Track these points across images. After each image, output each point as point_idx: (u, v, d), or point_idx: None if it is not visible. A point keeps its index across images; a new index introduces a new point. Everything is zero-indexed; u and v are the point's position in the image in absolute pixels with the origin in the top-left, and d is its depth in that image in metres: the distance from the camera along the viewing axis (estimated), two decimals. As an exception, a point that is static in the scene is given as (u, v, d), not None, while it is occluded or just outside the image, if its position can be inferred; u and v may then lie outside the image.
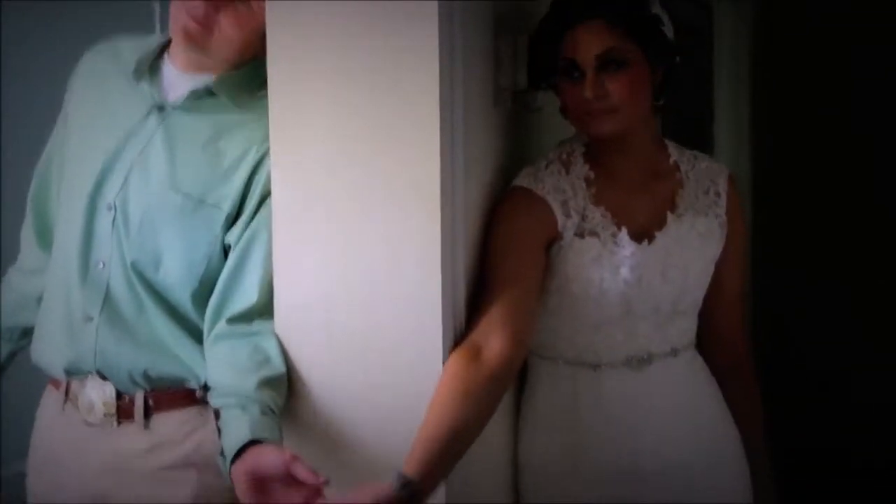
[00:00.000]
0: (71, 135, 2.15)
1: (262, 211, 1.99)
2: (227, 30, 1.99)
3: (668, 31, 2.07)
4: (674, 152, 2.17)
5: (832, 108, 4.49)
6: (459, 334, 1.92)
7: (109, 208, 2.03)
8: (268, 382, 1.88)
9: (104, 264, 2.04)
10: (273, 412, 1.85)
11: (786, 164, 4.60)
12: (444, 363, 1.85)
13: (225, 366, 1.93)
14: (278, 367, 1.92)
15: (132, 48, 2.12)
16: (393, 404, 1.88)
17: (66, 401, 2.12)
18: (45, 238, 2.21)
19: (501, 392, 1.92)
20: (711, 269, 2.14)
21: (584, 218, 2.04)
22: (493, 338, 1.89)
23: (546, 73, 2.09)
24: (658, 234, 2.07)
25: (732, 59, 4.44)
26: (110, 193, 2.04)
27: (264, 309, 1.97)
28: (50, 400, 2.17)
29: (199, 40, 1.99)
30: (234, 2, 1.97)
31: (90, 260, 2.05)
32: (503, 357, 1.88)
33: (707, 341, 2.22)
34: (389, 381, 1.88)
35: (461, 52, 1.89)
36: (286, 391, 1.92)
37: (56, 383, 2.14)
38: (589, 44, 1.99)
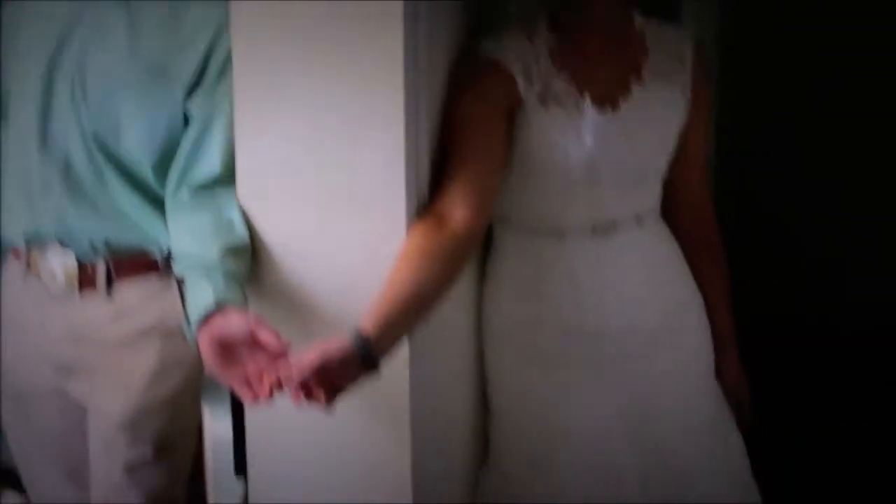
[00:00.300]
0: (26, 5, 2.09)
1: (224, 80, 1.95)
2: None
3: None
4: (639, 21, 2.14)
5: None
6: (423, 202, 1.91)
7: (67, 77, 1.99)
8: (231, 250, 1.87)
9: (63, 135, 2.00)
10: (237, 279, 1.85)
11: (753, 31, 4.56)
12: (407, 230, 1.85)
13: (188, 234, 1.92)
14: (241, 234, 1.91)
15: None
16: (356, 271, 1.87)
17: (27, 270, 2.10)
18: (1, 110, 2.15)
19: (463, 259, 1.93)
20: (676, 136, 2.14)
21: (547, 85, 2.02)
22: (456, 207, 1.89)
23: None
24: (622, 103, 2.06)
25: None
26: (68, 62, 1.99)
27: (227, 178, 1.95)
28: (11, 269, 2.16)
29: None
30: None
31: (48, 130, 2.01)
32: (466, 226, 1.89)
33: (672, 209, 2.23)
34: (353, 247, 1.88)
35: None
36: (250, 259, 1.92)
37: (17, 252, 2.13)
38: None
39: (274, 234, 1.93)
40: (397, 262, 1.81)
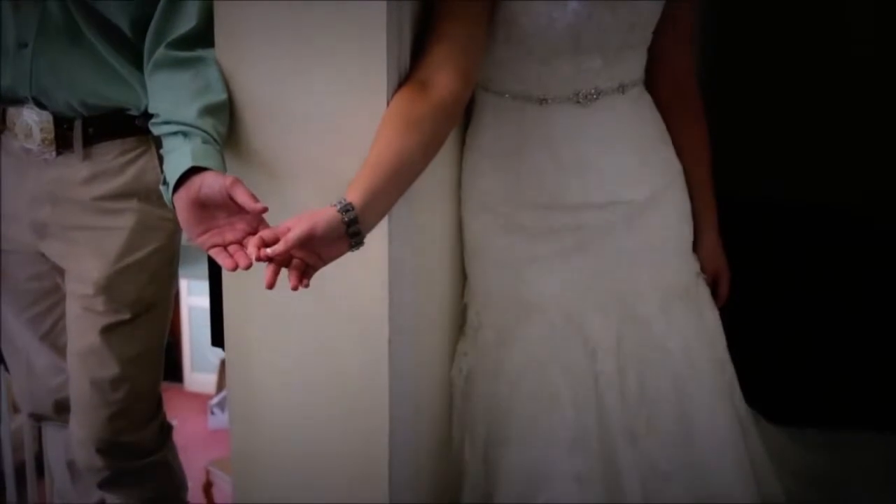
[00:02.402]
0: None
1: None
2: None
3: None
4: None
5: None
6: (405, 70, 1.88)
7: None
8: (209, 109, 1.84)
9: None
10: (215, 140, 1.82)
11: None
12: (388, 96, 1.82)
13: (166, 92, 1.89)
14: (220, 93, 1.87)
15: None
16: (336, 135, 1.85)
17: (3, 129, 2.08)
18: None
19: (448, 126, 1.90)
20: (661, 4, 2.10)
21: None
22: (439, 73, 1.86)
23: None
24: None
25: None
26: None
27: (205, 34, 1.91)
28: None
29: None
30: None
31: None
32: (450, 91, 1.85)
33: (655, 77, 2.20)
34: (333, 110, 1.85)
35: None
36: (228, 118, 1.89)
37: None
38: None
39: (253, 95, 1.90)
40: (380, 130, 1.78)
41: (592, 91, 2.08)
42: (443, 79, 1.85)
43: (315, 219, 1.64)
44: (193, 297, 5.57)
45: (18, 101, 2.04)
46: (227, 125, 1.88)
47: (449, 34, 1.90)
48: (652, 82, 2.21)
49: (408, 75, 1.88)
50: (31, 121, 2.03)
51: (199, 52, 1.90)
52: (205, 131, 1.80)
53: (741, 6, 3.83)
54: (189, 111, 1.82)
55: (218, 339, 2.17)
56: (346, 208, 1.66)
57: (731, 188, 2.55)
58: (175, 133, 1.81)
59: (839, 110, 3.76)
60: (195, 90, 1.86)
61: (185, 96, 1.85)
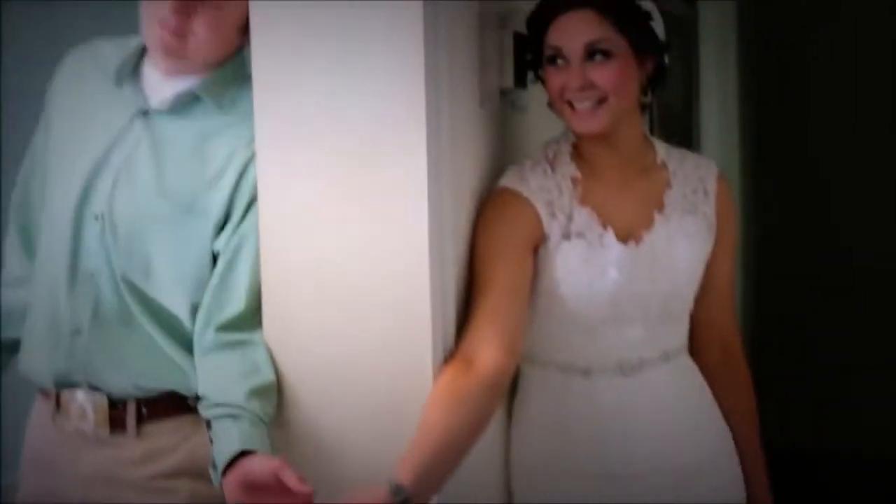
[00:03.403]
0: (53, 141, 2.12)
1: (250, 217, 1.96)
2: (202, 33, 1.96)
3: (658, 27, 2.06)
4: (661, 150, 2.15)
5: (821, 99, 4.48)
6: (449, 343, 1.90)
7: (97, 218, 2.00)
8: (257, 392, 1.87)
9: (93, 275, 2.01)
10: (263, 421, 1.84)
11: (774, 156, 4.59)
12: (433, 372, 1.84)
13: (215, 376, 1.91)
14: (267, 375, 1.91)
15: (113, 51, 2.09)
16: (382, 414, 1.87)
17: (57, 410, 2.09)
18: (30, 246, 2.17)
19: (495, 403, 1.91)
20: (701, 268, 2.12)
21: (570, 219, 2.02)
22: (484, 348, 1.88)
23: (533, 63, 2.09)
24: (645, 235, 2.05)
25: (718, 51, 4.41)
26: (97, 202, 2.01)
27: (253, 316, 1.95)
28: (41, 409, 2.14)
29: (175, 50, 1.97)
30: (204, 4, 1.94)
31: (78, 271, 2.02)
32: (495, 367, 1.87)
33: (698, 341, 2.20)
34: (378, 390, 1.88)
35: (446, 51, 1.89)
36: (276, 399, 1.91)
37: (46, 393, 2.11)
38: (577, 32, 1.98)
39: (301, 375, 1.93)
40: (427, 409, 1.79)
41: (636, 361, 2.08)
42: (487, 355, 1.87)
43: (365, 499, 1.64)
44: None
45: (72, 384, 2.06)
46: (274, 406, 1.90)
47: (491, 308, 1.92)
48: (696, 348, 2.20)
49: (453, 351, 1.90)
50: (86, 403, 2.05)
51: (247, 335, 1.94)
52: (252, 414, 1.82)
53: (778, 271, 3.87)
54: (237, 394, 1.85)
55: None
56: (397, 490, 1.66)
57: (781, 440, 2.52)
58: (223, 416, 1.83)
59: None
60: (243, 372, 1.89)
61: (233, 379, 1.88)
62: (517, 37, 2.16)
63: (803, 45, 4.59)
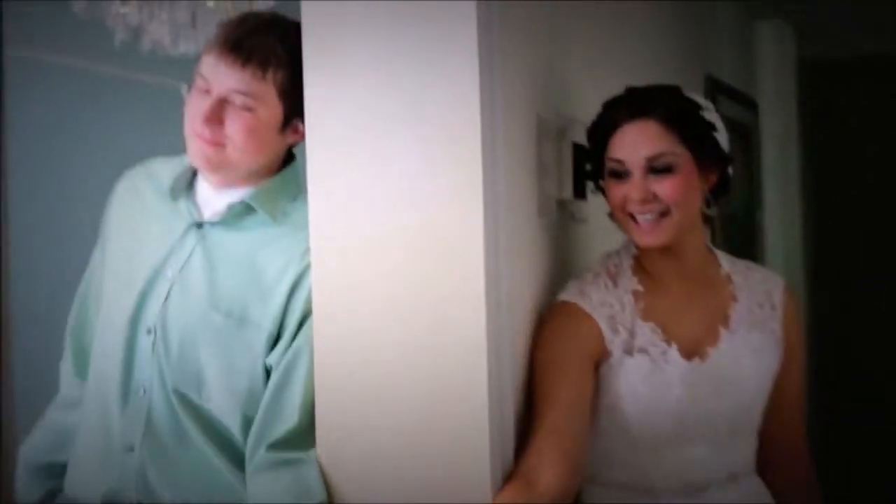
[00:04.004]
0: (109, 259, 2.11)
1: (304, 330, 1.92)
2: (238, 139, 1.95)
3: (722, 137, 2.02)
4: (725, 263, 2.10)
5: (890, 203, 4.42)
6: (508, 462, 1.85)
7: (149, 332, 1.98)
8: None
9: (145, 390, 1.98)
10: None
11: (842, 266, 4.50)
12: (492, 492, 1.79)
13: (264, 497, 1.86)
14: (318, 497, 1.84)
15: (167, 167, 2.09)
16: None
17: None
18: (84, 368, 2.14)
19: None
20: (769, 385, 2.06)
21: (632, 334, 1.97)
22: (544, 470, 1.82)
23: (594, 174, 2.05)
24: (711, 351, 2.00)
25: (780, 157, 4.39)
26: (150, 316, 1.99)
27: (306, 434, 1.90)
28: None
29: (215, 161, 1.97)
30: (235, 109, 1.94)
31: (130, 386, 1.99)
32: (559, 489, 1.81)
33: (767, 460, 2.12)
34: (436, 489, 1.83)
35: (504, 160, 1.87)
36: None
37: None
38: (639, 144, 1.95)
39: (355, 491, 1.87)
40: None
41: (702, 481, 2.00)
42: (548, 477, 1.81)
43: None
44: None
45: (122, 502, 2.00)
46: None
47: (552, 425, 1.87)
48: (765, 468, 2.12)
49: (512, 471, 1.84)
50: None
51: (299, 454, 1.88)
52: None
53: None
54: None
55: None
56: None
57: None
58: None
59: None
60: (294, 494, 1.83)
61: (283, 501, 1.82)
62: (576, 148, 2.14)
63: (866, 149, 4.54)
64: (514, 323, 1.90)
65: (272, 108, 1.95)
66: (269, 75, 1.93)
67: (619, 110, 1.98)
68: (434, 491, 1.82)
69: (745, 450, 2.07)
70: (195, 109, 1.94)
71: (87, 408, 2.08)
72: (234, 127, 1.94)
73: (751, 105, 4.16)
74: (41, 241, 2.98)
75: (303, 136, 1.99)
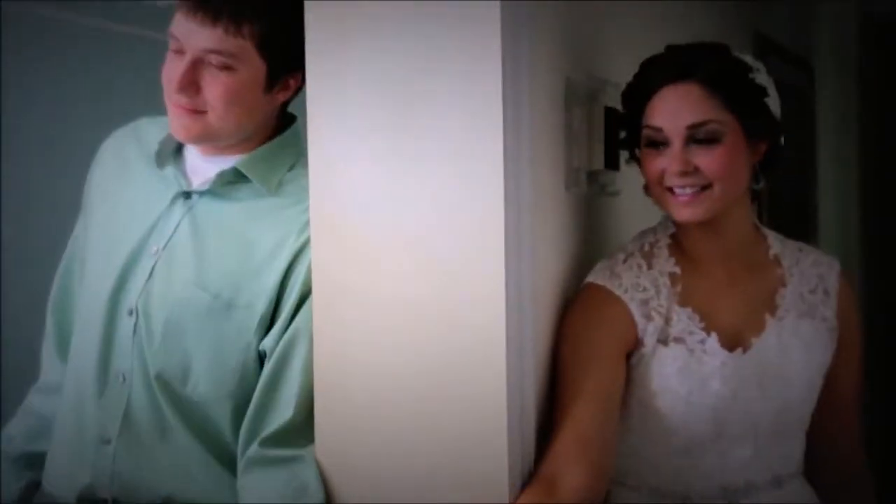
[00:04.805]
0: (92, 230, 2.03)
1: (302, 312, 1.83)
2: (218, 105, 1.84)
3: (774, 104, 1.91)
4: (775, 244, 2.00)
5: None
6: (528, 460, 1.78)
7: (130, 313, 1.91)
8: None
9: (124, 377, 1.90)
10: None
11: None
12: (510, 494, 1.72)
13: (256, 497, 1.79)
14: (316, 496, 1.77)
15: (155, 129, 2.00)
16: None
17: None
18: (66, 349, 2.06)
19: None
20: (820, 380, 1.95)
21: (668, 321, 1.88)
22: (568, 470, 1.76)
23: (628, 142, 1.98)
24: (755, 341, 1.90)
25: (838, 127, 4.36)
26: (132, 295, 1.91)
27: (303, 428, 1.81)
28: None
29: (197, 131, 1.87)
30: (211, 72, 1.84)
31: (109, 372, 1.92)
32: (581, 492, 1.75)
33: (817, 462, 2.02)
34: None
35: (528, 128, 1.78)
36: None
37: None
38: (679, 110, 1.86)
39: (359, 492, 1.79)
40: None
41: (742, 486, 1.92)
42: (572, 478, 1.75)
43: None
44: None
45: (96, 499, 1.92)
46: None
47: (577, 420, 1.80)
48: (814, 471, 2.03)
49: (532, 471, 1.78)
50: None
51: (295, 451, 1.80)
52: None
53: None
54: None
55: None
56: None
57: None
58: None
59: None
60: (289, 495, 1.77)
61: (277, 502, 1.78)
62: (609, 113, 2.05)
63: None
64: (536, 309, 1.81)
65: (253, 66, 1.84)
66: (246, 29, 1.82)
67: (659, 72, 1.89)
68: (447, 492, 1.75)
69: (792, 451, 1.98)
70: (170, 75, 1.84)
71: (64, 396, 2.00)
72: (213, 91, 1.83)
73: (805, 67, 4.03)
74: (34, 205, 2.93)
75: (294, 92, 1.91)
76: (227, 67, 1.83)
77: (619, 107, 2.04)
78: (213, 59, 1.82)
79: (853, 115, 4.40)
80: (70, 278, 2.08)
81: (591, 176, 2.08)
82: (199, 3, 1.82)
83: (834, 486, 2.05)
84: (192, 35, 1.82)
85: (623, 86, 1.99)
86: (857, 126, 4.43)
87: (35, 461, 2.06)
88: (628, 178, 2.13)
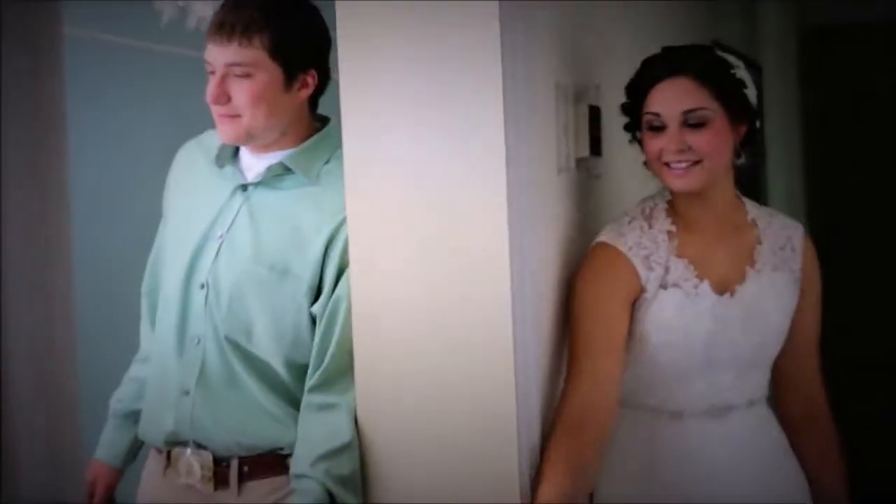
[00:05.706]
0: (169, 226, 2.26)
1: (342, 282, 2.06)
2: (246, 109, 2.07)
3: (751, 94, 2.13)
4: (751, 209, 2.22)
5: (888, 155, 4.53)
6: (536, 419, 1.98)
7: (202, 286, 2.12)
8: (326, 455, 1.99)
9: (199, 340, 2.12)
10: (337, 483, 1.98)
11: (840, 213, 4.62)
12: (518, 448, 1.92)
13: (303, 436, 2.05)
14: (344, 437, 2.01)
15: (215, 138, 2.21)
16: (468, 479, 1.96)
17: (167, 466, 2.17)
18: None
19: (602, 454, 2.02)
20: (788, 322, 2.17)
21: (666, 270, 2.08)
22: (588, 413, 1.99)
23: (631, 127, 2.17)
24: (738, 287, 2.12)
25: (782, 115, 4.54)
26: (202, 272, 2.13)
27: (341, 377, 2.05)
28: (153, 464, 2.24)
29: (237, 133, 2.10)
30: (234, 80, 2.06)
31: (186, 337, 2.14)
32: (605, 431, 2.01)
33: (782, 393, 2.25)
34: (466, 473, 1.96)
35: (525, 122, 1.97)
36: (351, 458, 2.02)
37: (158, 449, 2.20)
38: (675, 99, 2.06)
39: (388, 436, 2.02)
40: (547, 474, 1.94)
41: (724, 405, 2.13)
42: (595, 417, 1.98)
43: None
44: None
45: (181, 443, 2.15)
46: (349, 465, 2.01)
47: (591, 370, 2.02)
48: (779, 400, 2.25)
49: (554, 420, 2.01)
50: (193, 460, 2.13)
51: (333, 398, 2.04)
52: (323, 478, 1.97)
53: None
54: (311, 456, 2.00)
55: None
56: None
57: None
58: (300, 477, 2.01)
59: None
60: (321, 436, 2.02)
61: (311, 441, 2.02)
62: (592, 109, 2.25)
63: (867, 98, 4.64)
64: (538, 281, 2.01)
65: (269, 70, 2.06)
66: (256, 41, 2.04)
67: (657, 68, 2.09)
68: (461, 442, 1.96)
69: (762, 379, 2.20)
70: (209, 92, 2.08)
71: (152, 361, 2.24)
72: (240, 97, 2.06)
73: (755, 66, 4.26)
74: (105, 219, 3.10)
75: (315, 89, 2.13)
76: (247, 75, 2.05)
77: (601, 105, 2.23)
78: (235, 70, 2.05)
79: (795, 104, 4.65)
80: (157, 266, 2.28)
81: (579, 162, 2.26)
82: (217, 28, 2.06)
83: (797, 416, 2.24)
84: (216, 55, 2.06)
85: (604, 87, 2.19)
86: (798, 113, 4.66)
87: (138, 418, 2.27)
88: (609, 163, 2.32)
